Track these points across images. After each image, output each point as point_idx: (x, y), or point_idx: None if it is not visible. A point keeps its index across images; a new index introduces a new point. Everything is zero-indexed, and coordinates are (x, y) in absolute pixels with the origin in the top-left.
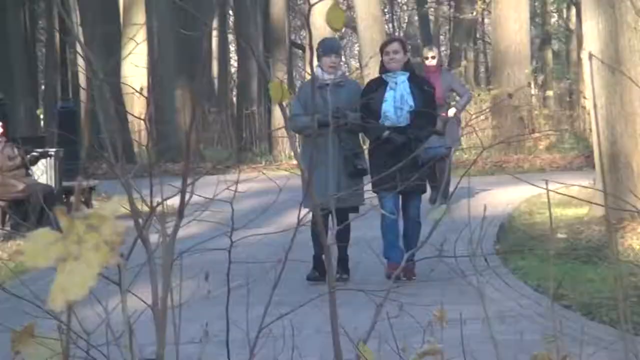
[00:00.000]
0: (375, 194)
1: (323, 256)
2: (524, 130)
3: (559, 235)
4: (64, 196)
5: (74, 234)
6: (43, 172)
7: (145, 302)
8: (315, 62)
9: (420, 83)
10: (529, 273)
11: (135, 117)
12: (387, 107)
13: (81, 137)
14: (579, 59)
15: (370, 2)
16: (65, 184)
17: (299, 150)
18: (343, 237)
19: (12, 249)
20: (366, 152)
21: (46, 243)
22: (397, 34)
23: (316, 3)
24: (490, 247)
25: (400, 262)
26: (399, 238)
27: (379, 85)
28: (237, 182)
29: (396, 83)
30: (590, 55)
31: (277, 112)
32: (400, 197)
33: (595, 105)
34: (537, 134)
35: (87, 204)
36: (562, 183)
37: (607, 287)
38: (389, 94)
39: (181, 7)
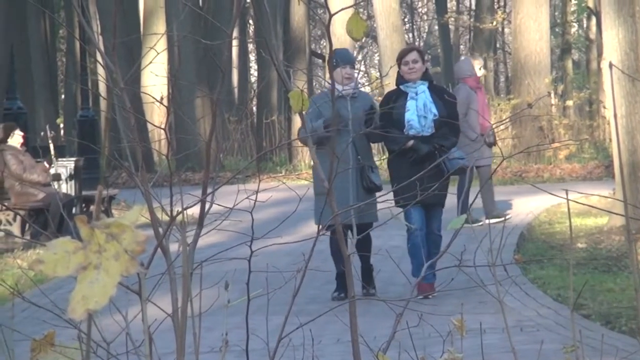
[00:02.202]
0: (396, 205)
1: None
2: (544, 140)
3: (579, 245)
4: (83, 205)
5: (94, 243)
6: (63, 181)
7: (165, 312)
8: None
9: (441, 92)
10: (548, 282)
11: (155, 126)
12: (411, 116)
13: (101, 146)
14: (599, 68)
15: (390, 12)
16: (85, 193)
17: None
18: (364, 248)
19: (32, 258)
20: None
21: (66, 252)
22: (417, 43)
23: (337, 12)
24: (510, 257)
25: (433, 282)
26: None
27: (398, 96)
28: (257, 192)
29: (416, 93)
30: (611, 65)
31: (297, 121)
32: (425, 210)
33: (615, 115)
34: (557, 144)
35: (107, 213)
36: (581, 193)
37: (627, 297)
38: (410, 104)
39: (201, 17)
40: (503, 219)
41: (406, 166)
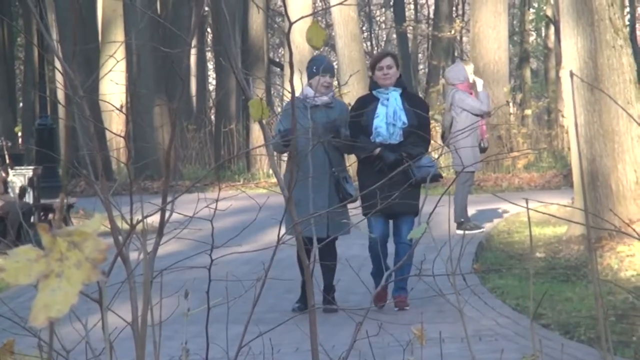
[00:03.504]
0: (362, 214)
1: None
2: (503, 149)
3: (538, 255)
4: (42, 214)
5: (56, 251)
6: (21, 190)
7: (125, 320)
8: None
9: (413, 99)
10: (507, 292)
11: (115, 134)
12: (379, 123)
13: (60, 154)
14: (558, 77)
15: (349, 20)
16: (43, 201)
17: (281, 170)
18: (330, 265)
19: None
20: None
21: (28, 260)
22: (374, 51)
23: (297, 21)
24: (469, 266)
25: (405, 295)
26: (386, 263)
27: (369, 101)
28: (217, 200)
29: (388, 99)
30: (572, 74)
31: (255, 130)
32: (392, 219)
33: (576, 125)
34: (516, 153)
35: (66, 221)
36: (542, 202)
37: (585, 306)
38: (380, 110)
39: (160, 25)
40: (478, 230)
41: (373, 175)
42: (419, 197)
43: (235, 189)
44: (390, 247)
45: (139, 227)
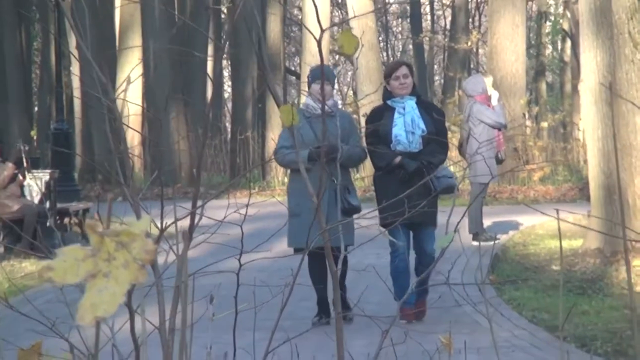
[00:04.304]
0: (381, 225)
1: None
2: (519, 161)
3: (553, 267)
4: (57, 217)
5: (104, 251)
6: (38, 193)
7: (152, 324)
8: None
9: (429, 107)
10: (523, 304)
11: (137, 131)
12: (398, 131)
13: (74, 159)
14: (573, 91)
15: (366, 30)
16: (59, 205)
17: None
18: (340, 273)
19: (7, 269)
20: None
21: (76, 259)
22: (390, 61)
23: (329, 28)
24: (485, 278)
25: (414, 306)
26: (410, 279)
27: (384, 111)
28: (247, 205)
29: (404, 108)
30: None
31: (271, 138)
32: (412, 230)
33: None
34: (532, 165)
35: (81, 226)
36: (573, 212)
37: (602, 319)
38: (398, 119)
39: (178, 32)
40: (493, 242)
41: (393, 184)
42: (437, 207)
43: (258, 196)
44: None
45: (171, 230)
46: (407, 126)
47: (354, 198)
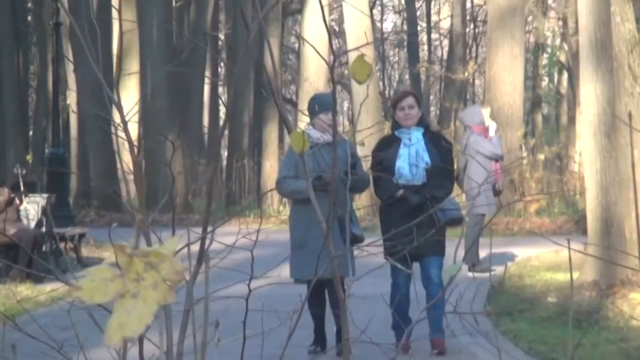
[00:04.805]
0: (385, 257)
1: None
2: (515, 192)
3: (549, 299)
4: (53, 242)
5: (132, 271)
6: (34, 218)
7: (158, 347)
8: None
9: (436, 139)
10: (519, 336)
11: (135, 144)
12: (402, 164)
13: (70, 184)
14: (569, 123)
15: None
16: (55, 230)
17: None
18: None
19: (2, 292)
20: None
21: (105, 279)
22: (387, 91)
23: (339, 55)
24: (481, 309)
25: (443, 337)
26: (408, 311)
27: (391, 142)
28: (258, 231)
29: (410, 139)
30: (631, 115)
31: (267, 166)
32: (418, 262)
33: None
34: (529, 197)
35: (77, 251)
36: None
37: (598, 352)
38: (403, 151)
39: (176, 57)
40: (489, 273)
41: (397, 216)
42: (445, 237)
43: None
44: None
45: (182, 254)
46: (410, 159)
47: (356, 228)
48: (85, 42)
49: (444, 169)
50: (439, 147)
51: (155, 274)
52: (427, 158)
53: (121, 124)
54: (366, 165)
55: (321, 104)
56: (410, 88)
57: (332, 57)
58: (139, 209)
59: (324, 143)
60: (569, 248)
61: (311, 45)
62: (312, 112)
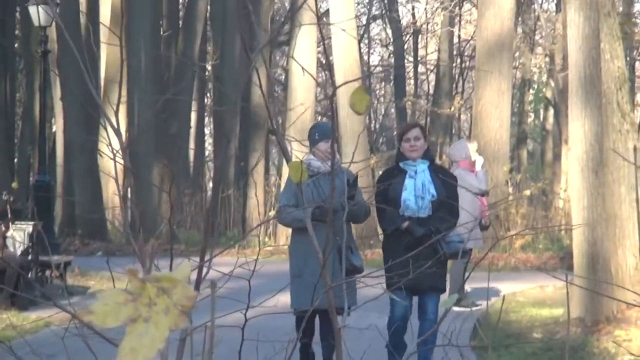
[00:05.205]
0: (387, 288)
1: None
2: (500, 228)
3: (535, 335)
4: (39, 270)
5: (144, 296)
6: (20, 245)
7: None
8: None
9: (441, 172)
10: None
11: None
12: (408, 195)
13: (55, 211)
14: (554, 159)
15: (351, 92)
16: (40, 258)
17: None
18: (330, 337)
19: None
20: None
21: (117, 303)
22: (372, 125)
23: (341, 85)
24: (466, 343)
25: None
26: (403, 336)
27: (396, 173)
28: (256, 260)
29: (416, 172)
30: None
31: (252, 197)
32: (417, 296)
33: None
34: (514, 233)
35: (62, 279)
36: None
37: None
38: (408, 182)
39: (163, 85)
40: (475, 308)
41: (401, 247)
42: (446, 274)
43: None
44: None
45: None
46: (417, 190)
47: (356, 258)
48: (84, 66)
49: (448, 203)
50: (444, 180)
51: (167, 299)
52: (433, 191)
53: (120, 151)
54: (366, 196)
55: (322, 133)
56: (415, 120)
57: (333, 88)
58: (135, 235)
59: (324, 172)
60: (567, 282)
61: (307, 72)
62: (313, 141)
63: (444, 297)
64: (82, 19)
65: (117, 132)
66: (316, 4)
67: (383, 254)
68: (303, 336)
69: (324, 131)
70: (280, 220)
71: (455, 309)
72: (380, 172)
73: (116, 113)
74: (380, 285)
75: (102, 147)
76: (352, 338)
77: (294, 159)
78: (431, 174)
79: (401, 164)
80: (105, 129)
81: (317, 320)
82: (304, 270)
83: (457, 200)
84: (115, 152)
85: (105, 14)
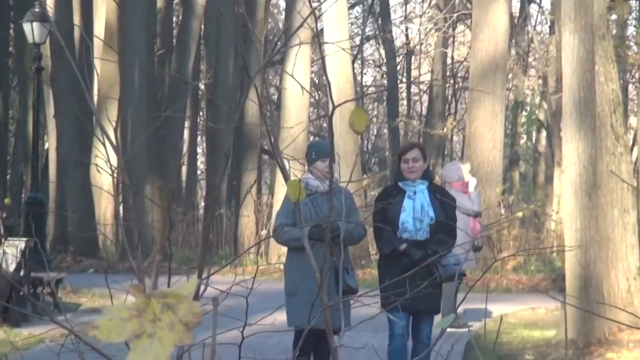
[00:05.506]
0: (382, 308)
1: None
2: (492, 250)
3: (526, 357)
4: (31, 286)
5: (149, 311)
6: (13, 261)
7: None
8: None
9: (440, 193)
10: None
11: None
12: (406, 217)
13: (46, 228)
14: (547, 181)
15: (345, 113)
16: (32, 274)
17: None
18: (326, 357)
19: None
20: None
21: (121, 319)
22: (365, 145)
23: (340, 105)
24: None
25: None
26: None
27: (395, 193)
28: (254, 277)
29: (415, 192)
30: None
31: (244, 216)
32: (412, 316)
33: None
34: (508, 255)
35: (54, 296)
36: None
37: None
38: (407, 204)
39: (157, 104)
40: (466, 329)
41: (396, 270)
42: (441, 296)
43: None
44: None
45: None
46: (415, 212)
47: (352, 279)
48: (83, 83)
49: (447, 224)
50: (443, 202)
51: (172, 315)
52: (432, 213)
53: (119, 168)
54: (364, 215)
55: (319, 152)
56: (416, 141)
57: (332, 107)
58: (133, 253)
59: (322, 191)
60: (564, 303)
61: (306, 90)
62: (310, 160)
63: (437, 317)
64: (76, 35)
65: (117, 149)
66: (316, 22)
67: (379, 273)
68: (300, 354)
69: (321, 150)
70: (278, 240)
71: (448, 329)
72: (373, 193)
73: (115, 130)
74: (374, 304)
75: (99, 163)
76: (348, 357)
77: (292, 178)
78: (430, 195)
79: (400, 184)
80: (104, 144)
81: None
82: (300, 288)
83: (455, 221)
84: (113, 168)
85: (99, 31)
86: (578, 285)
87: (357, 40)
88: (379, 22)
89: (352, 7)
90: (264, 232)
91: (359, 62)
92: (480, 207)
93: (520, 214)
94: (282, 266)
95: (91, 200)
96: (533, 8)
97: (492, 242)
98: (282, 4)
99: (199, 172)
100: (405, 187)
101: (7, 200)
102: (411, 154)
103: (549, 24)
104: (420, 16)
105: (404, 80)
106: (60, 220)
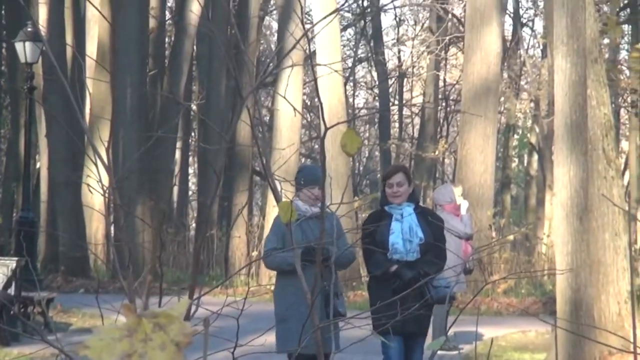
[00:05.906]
0: (373, 331)
1: None
2: (483, 273)
3: None
4: (21, 306)
5: (140, 331)
6: (3, 280)
7: None
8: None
9: (427, 214)
10: None
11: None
12: (395, 239)
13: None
14: (538, 204)
15: (337, 134)
16: (23, 293)
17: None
18: None
19: None
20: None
21: (113, 339)
22: (357, 167)
23: (332, 127)
24: None
25: None
26: None
27: (382, 217)
28: (245, 298)
29: (402, 215)
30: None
31: (235, 237)
32: (404, 339)
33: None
34: (499, 278)
35: (44, 315)
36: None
37: None
38: (395, 226)
39: (148, 124)
40: (456, 352)
41: (387, 292)
42: (432, 314)
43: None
44: None
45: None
46: (404, 234)
47: (341, 305)
48: (75, 103)
49: (436, 245)
50: (431, 223)
51: (164, 335)
52: (420, 234)
53: (110, 188)
54: (353, 239)
55: (307, 180)
56: (400, 164)
57: (324, 129)
58: (124, 273)
59: (311, 215)
60: (555, 326)
61: (298, 112)
62: (298, 185)
63: (427, 339)
64: (69, 54)
65: (108, 168)
66: (308, 44)
67: (369, 295)
68: None
69: (309, 178)
70: (268, 265)
71: (439, 352)
72: (364, 215)
73: (107, 150)
74: (365, 326)
75: (91, 182)
76: None
77: (283, 199)
78: (417, 217)
79: (386, 208)
80: (96, 164)
81: None
82: (289, 316)
83: (444, 242)
84: (104, 188)
85: (91, 50)
86: (569, 309)
87: (350, 62)
88: (372, 44)
89: (344, 29)
90: (255, 253)
91: (351, 84)
92: (472, 230)
93: (511, 237)
94: (272, 287)
95: (82, 220)
96: (525, 31)
97: (483, 265)
98: (275, 26)
99: (190, 192)
100: (391, 211)
101: None
102: (395, 179)
103: (541, 47)
104: (413, 39)
105: (396, 102)
106: (51, 240)
